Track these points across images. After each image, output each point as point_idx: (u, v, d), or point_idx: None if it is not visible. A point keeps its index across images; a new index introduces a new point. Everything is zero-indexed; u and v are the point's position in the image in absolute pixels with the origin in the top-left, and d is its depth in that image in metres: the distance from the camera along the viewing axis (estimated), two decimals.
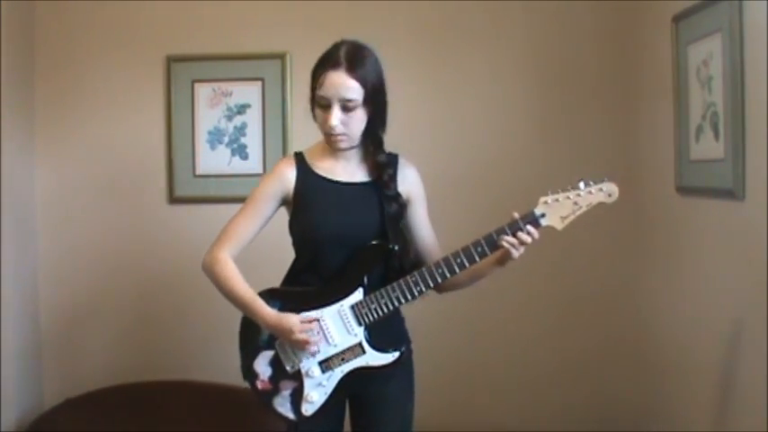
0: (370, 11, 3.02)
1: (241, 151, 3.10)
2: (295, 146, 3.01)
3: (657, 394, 2.76)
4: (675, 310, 2.59)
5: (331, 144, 1.93)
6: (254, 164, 3.08)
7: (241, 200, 2.83)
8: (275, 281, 2.04)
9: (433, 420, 3.03)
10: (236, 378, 2.87)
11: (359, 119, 1.90)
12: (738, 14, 2.07)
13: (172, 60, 3.09)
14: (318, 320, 1.90)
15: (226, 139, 3.10)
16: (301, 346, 1.88)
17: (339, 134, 1.89)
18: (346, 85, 1.86)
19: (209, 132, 3.11)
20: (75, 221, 3.15)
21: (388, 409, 2.00)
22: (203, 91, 3.10)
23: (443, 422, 3.03)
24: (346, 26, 3.01)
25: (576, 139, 2.99)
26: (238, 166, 3.10)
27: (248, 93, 3.08)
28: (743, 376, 2.10)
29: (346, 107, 1.87)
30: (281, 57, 3.04)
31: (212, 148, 3.11)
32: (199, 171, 3.12)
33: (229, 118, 3.10)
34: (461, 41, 3.02)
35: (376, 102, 1.92)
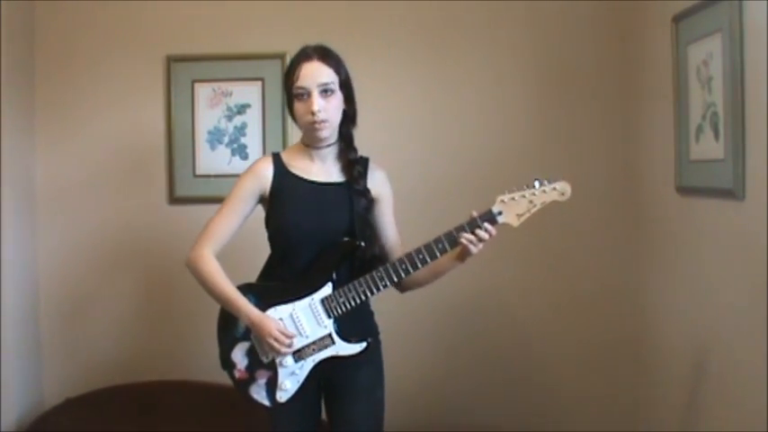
0: (370, 11, 3.02)
1: (241, 151, 3.10)
2: None
3: (657, 394, 2.76)
4: (675, 309, 2.59)
5: (313, 134, 2.03)
6: None
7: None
8: (254, 275, 2.16)
9: (431, 420, 3.04)
10: None
11: (336, 105, 2.03)
12: (738, 14, 2.07)
13: (172, 60, 3.09)
14: (291, 315, 2.03)
15: (226, 139, 3.10)
16: (271, 350, 2.02)
17: (322, 120, 1.99)
18: (321, 71, 2.00)
19: (209, 132, 3.11)
20: (75, 221, 3.15)
21: (358, 395, 2.11)
22: (203, 91, 3.10)
23: (441, 421, 3.04)
24: (346, 26, 3.04)
25: (575, 138, 2.99)
26: (238, 166, 3.09)
27: (248, 93, 3.08)
28: (743, 376, 2.10)
29: (324, 92, 2.00)
30: (281, 57, 3.04)
31: (212, 148, 3.11)
32: (199, 171, 3.12)
33: (229, 118, 3.10)
34: (461, 41, 3.02)
35: (348, 92, 2.07)
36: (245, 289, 2.08)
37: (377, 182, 2.14)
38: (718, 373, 2.26)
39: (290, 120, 3.01)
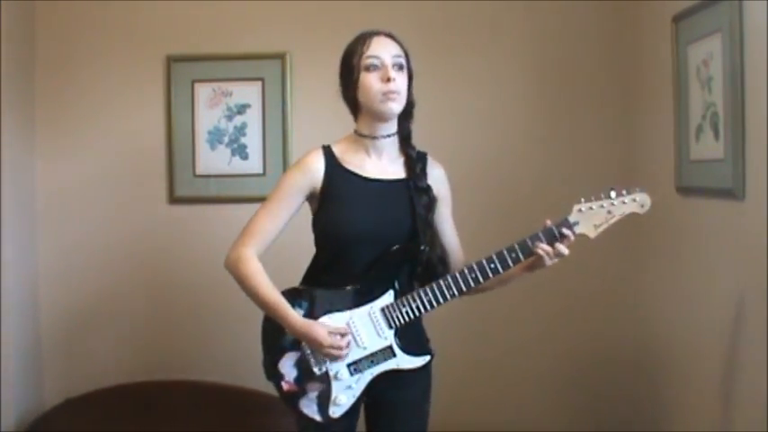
0: (370, 10, 3.02)
1: (241, 151, 3.10)
2: (295, 146, 3.03)
3: (657, 394, 2.76)
4: (675, 309, 2.59)
5: (385, 105, 1.85)
6: (254, 164, 3.08)
7: (241, 200, 2.83)
8: (292, 279, 1.98)
9: (435, 420, 3.03)
10: (236, 378, 2.89)
11: (405, 83, 1.89)
12: (738, 14, 2.07)
13: (172, 60, 3.09)
14: (348, 324, 1.87)
15: (226, 139, 3.10)
16: (330, 357, 1.86)
17: (397, 90, 1.84)
18: (393, 45, 1.89)
19: (209, 132, 3.11)
20: (75, 221, 3.15)
21: (407, 410, 1.98)
22: (203, 91, 3.10)
23: (443, 422, 3.03)
24: (346, 26, 3.02)
25: (575, 139, 2.99)
26: (238, 166, 3.10)
27: (248, 93, 3.08)
28: (743, 376, 2.10)
29: (397, 65, 1.86)
30: (281, 57, 3.04)
31: (212, 148, 3.11)
32: (199, 171, 3.12)
33: (229, 118, 3.10)
34: (461, 41, 3.02)
35: (410, 78, 1.92)
36: (293, 294, 1.90)
37: (436, 179, 1.99)
38: (718, 373, 2.26)
39: (290, 120, 3.05)
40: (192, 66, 3.09)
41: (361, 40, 1.89)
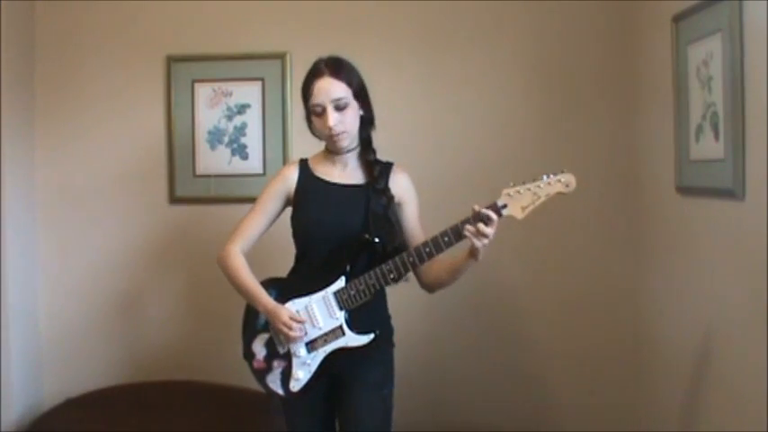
0: (370, 10, 3.02)
1: (241, 151, 3.10)
2: (295, 145, 3.03)
3: (657, 394, 2.76)
4: (675, 309, 2.59)
5: (334, 145, 2.15)
6: (254, 164, 3.08)
7: (241, 200, 2.86)
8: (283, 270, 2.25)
9: (432, 419, 3.04)
10: (236, 378, 2.89)
11: (352, 116, 2.13)
12: (738, 14, 2.07)
13: (172, 60, 3.09)
14: (307, 307, 2.12)
15: (226, 139, 3.10)
16: (283, 335, 2.11)
17: (339, 132, 2.11)
18: (333, 87, 2.09)
19: (209, 132, 3.11)
20: (75, 221, 3.15)
21: (365, 389, 2.17)
22: (203, 91, 3.10)
23: (442, 421, 3.04)
24: (346, 26, 3.04)
25: (575, 139, 2.98)
26: (238, 166, 3.10)
27: (248, 93, 3.08)
28: (743, 376, 2.10)
29: (338, 106, 2.09)
30: (281, 57, 3.04)
31: (212, 148, 3.11)
32: (199, 171, 3.12)
33: (229, 118, 3.10)
34: (461, 41, 3.02)
35: (362, 98, 2.16)
36: (267, 283, 2.20)
37: (399, 185, 2.22)
38: (718, 372, 2.26)
39: (290, 120, 3.06)
40: (191, 66, 3.09)
41: (308, 82, 2.13)
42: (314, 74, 2.12)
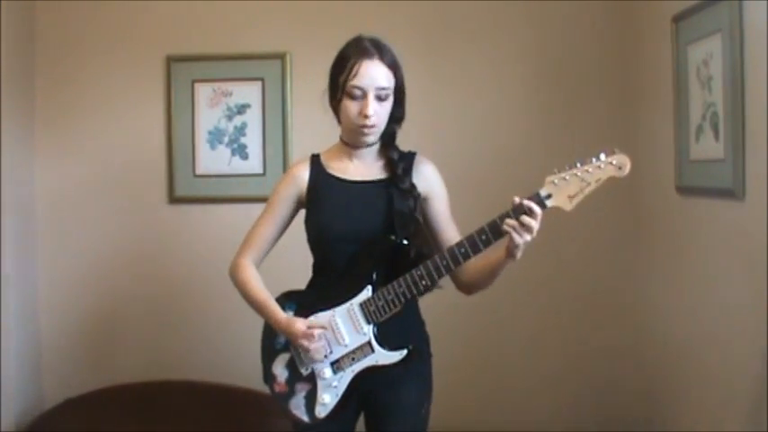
0: (370, 10, 3.02)
1: (241, 151, 3.10)
2: (295, 145, 3.03)
3: (657, 394, 2.76)
4: (675, 309, 2.59)
5: (358, 137, 1.90)
6: (254, 164, 3.08)
7: (241, 200, 2.84)
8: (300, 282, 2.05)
9: (435, 421, 3.03)
10: (236, 378, 2.89)
11: (388, 110, 1.90)
12: (738, 14, 2.07)
13: (172, 60, 3.09)
14: (331, 322, 1.88)
15: (226, 139, 3.10)
16: (304, 351, 1.88)
17: (372, 125, 1.86)
18: (381, 74, 1.85)
19: (210, 132, 3.11)
20: (75, 221, 3.15)
21: (401, 413, 1.95)
22: (203, 91, 3.10)
23: (444, 423, 3.03)
24: (346, 26, 3.02)
25: (575, 139, 2.98)
26: (238, 166, 3.10)
27: (248, 93, 3.08)
28: (743, 376, 2.10)
29: (380, 97, 1.85)
30: (281, 57, 3.04)
31: (212, 148, 3.11)
32: (199, 171, 3.12)
33: (229, 118, 3.10)
34: (461, 42, 3.02)
35: (401, 93, 1.93)
36: (284, 297, 1.97)
37: (424, 178, 1.97)
38: (718, 372, 2.26)
39: (290, 120, 3.05)
40: (192, 66, 3.09)
41: (352, 59, 1.86)
42: (361, 51, 1.85)
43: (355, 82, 1.83)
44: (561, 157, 2.92)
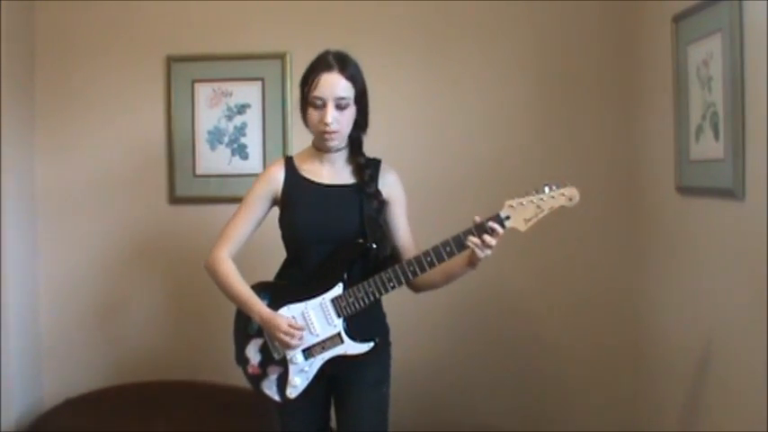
0: (370, 10, 3.02)
1: (241, 151, 3.10)
2: (295, 145, 3.03)
3: (657, 394, 2.76)
4: (675, 309, 2.59)
5: (323, 142, 2.09)
6: (254, 164, 3.08)
7: (241, 200, 2.84)
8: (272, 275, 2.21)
9: (432, 420, 3.04)
10: (236, 378, 2.88)
11: (349, 117, 2.08)
12: (738, 14, 2.07)
13: (172, 60, 3.09)
14: (304, 313, 2.08)
15: (226, 139, 3.10)
16: (283, 345, 2.08)
17: (333, 131, 2.05)
18: (340, 85, 2.04)
19: (209, 132, 3.11)
20: (75, 221, 3.15)
21: (363, 390, 2.16)
22: (203, 91, 3.10)
23: (441, 423, 3.04)
24: (346, 26, 3.04)
25: (575, 139, 2.99)
26: (238, 165, 3.10)
27: (248, 93, 3.08)
28: (743, 376, 2.10)
29: (339, 105, 2.04)
30: (281, 57, 3.04)
31: (212, 147, 3.11)
32: (199, 171, 3.12)
33: (229, 118, 3.10)
34: (461, 41, 3.02)
35: (362, 102, 2.11)
36: (259, 288, 2.15)
37: (388, 184, 2.17)
38: (718, 372, 2.26)
39: (290, 120, 3.06)
40: (191, 66, 3.09)
41: (313, 73, 2.06)
42: (322, 65, 2.06)
43: (316, 93, 2.04)
44: (561, 157, 2.96)
